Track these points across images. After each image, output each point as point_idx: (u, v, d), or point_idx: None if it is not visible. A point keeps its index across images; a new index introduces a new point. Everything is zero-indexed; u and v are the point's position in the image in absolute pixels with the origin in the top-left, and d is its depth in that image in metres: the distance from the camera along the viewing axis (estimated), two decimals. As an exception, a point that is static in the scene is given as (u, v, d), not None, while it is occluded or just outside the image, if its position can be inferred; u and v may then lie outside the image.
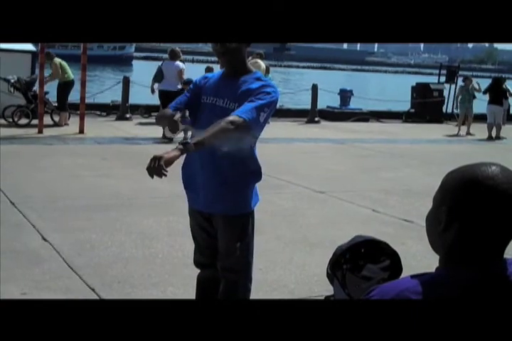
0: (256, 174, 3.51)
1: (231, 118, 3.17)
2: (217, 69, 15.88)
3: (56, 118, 13.97)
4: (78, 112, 13.39)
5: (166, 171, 2.93)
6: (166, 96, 12.69)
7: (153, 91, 13.86)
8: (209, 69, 14.37)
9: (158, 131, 12.05)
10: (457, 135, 16.40)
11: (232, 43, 3.31)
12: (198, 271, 3.75)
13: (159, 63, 14.31)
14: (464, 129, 16.55)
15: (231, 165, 3.40)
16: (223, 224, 3.49)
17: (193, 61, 63.83)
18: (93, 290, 4.73)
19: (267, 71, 15.37)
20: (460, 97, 17.11)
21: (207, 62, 37.83)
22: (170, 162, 2.96)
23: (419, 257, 5.41)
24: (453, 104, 20.59)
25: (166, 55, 14.86)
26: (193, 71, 16.17)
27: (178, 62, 13.49)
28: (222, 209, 3.46)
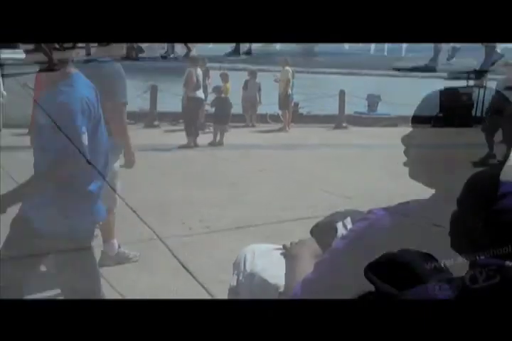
0: None
1: None
2: (232, 75, 16.00)
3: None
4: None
5: None
6: (200, 105, 12.74)
7: None
8: (224, 76, 14.49)
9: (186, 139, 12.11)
10: None
11: None
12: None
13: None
14: None
15: None
16: None
17: (219, 69, 64.11)
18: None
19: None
20: None
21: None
22: None
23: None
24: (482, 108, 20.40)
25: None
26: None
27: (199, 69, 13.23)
28: None
